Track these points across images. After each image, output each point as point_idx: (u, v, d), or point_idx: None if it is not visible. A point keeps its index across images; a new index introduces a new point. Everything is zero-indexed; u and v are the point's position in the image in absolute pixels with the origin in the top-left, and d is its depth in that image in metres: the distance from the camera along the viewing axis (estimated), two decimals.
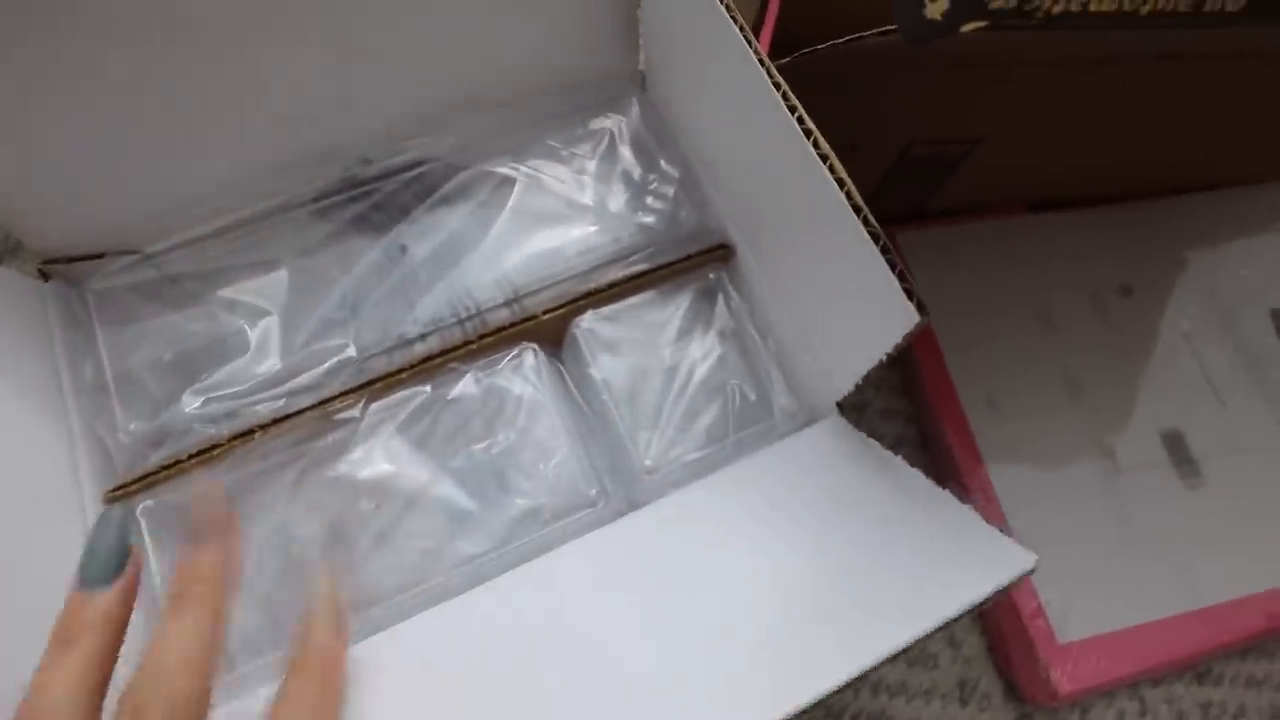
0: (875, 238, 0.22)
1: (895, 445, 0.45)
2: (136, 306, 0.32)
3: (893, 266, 0.21)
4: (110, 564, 0.21)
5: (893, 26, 0.28)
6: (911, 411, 0.45)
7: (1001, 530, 0.24)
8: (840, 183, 0.22)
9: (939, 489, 0.26)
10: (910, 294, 0.21)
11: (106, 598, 0.20)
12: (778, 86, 0.23)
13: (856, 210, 0.22)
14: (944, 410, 0.42)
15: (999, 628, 0.39)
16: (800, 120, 0.23)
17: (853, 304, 0.25)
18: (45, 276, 0.32)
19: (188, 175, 0.32)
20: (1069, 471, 0.42)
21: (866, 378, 0.26)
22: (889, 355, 0.24)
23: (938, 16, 0.22)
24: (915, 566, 0.25)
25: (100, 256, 0.33)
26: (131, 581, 0.21)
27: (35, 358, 0.31)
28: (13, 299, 0.31)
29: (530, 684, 0.25)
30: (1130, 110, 0.38)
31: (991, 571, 0.23)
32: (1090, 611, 0.38)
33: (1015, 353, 0.44)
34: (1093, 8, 0.22)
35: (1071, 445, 0.42)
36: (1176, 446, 0.42)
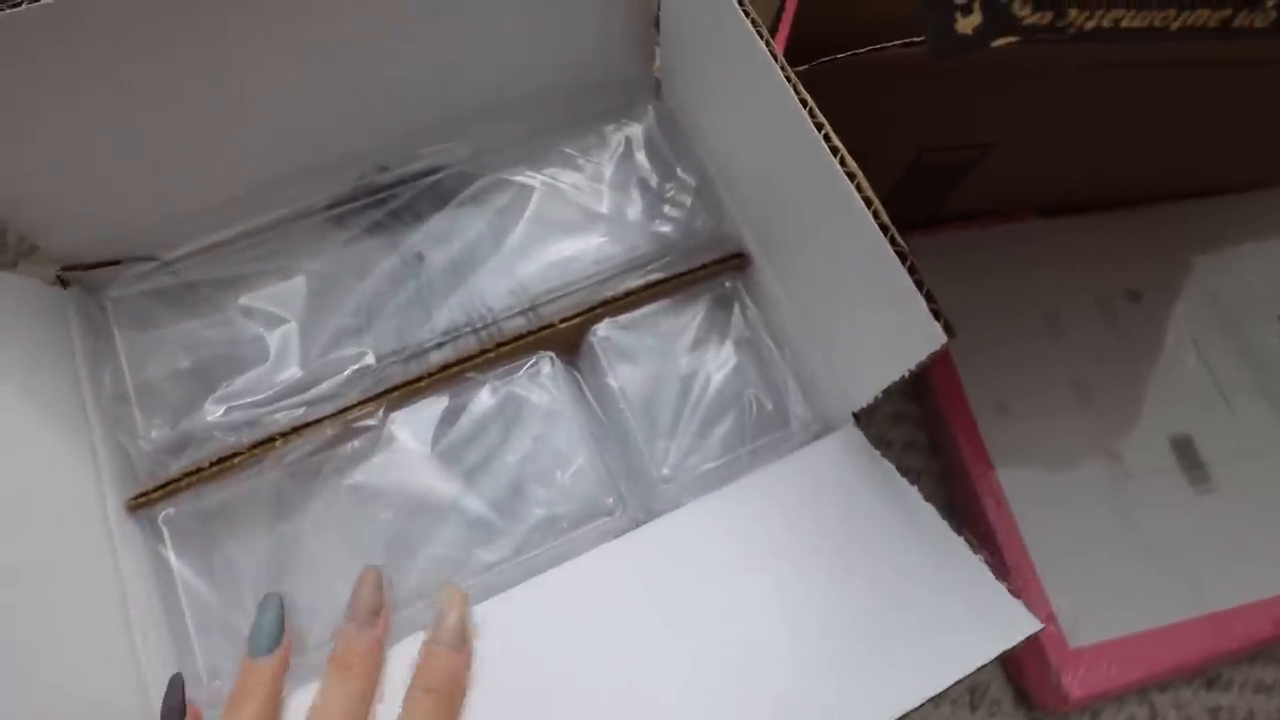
0: (902, 256, 0.22)
1: (904, 449, 0.45)
2: (155, 313, 0.32)
3: (920, 286, 0.21)
4: (272, 639, 0.26)
5: (915, 38, 0.28)
6: (920, 415, 0.46)
7: (1009, 587, 0.25)
8: (868, 202, 0.22)
9: (952, 534, 0.27)
10: (938, 315, 0.21)
11: (270, 665, 0.25)
12: (804, 104, 0.23)
13: (884, 229, 0.22)
14: (953, 414, 0.42)
15: None
16: (827, 138, 0.23)
17: (874, 319, 0.25)
18: (64, 284, 0.32)
19: (206, 182, 0.32)
20: (1078, 476, 0.42)
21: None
22: (910, 372, 0.24)
23: (969, 31, 0.22)
24: (925, 622, 0.25)
25: (118, 263, 0.33)
26: (287, 651, 0.26)
27: (56, 365, 0.31)
28: (33, 306, 0.31)
29: (544, 701, 0.25)
30: (1142, 115, 0.38)
31: (998, 634, 0.24)
32: (1100, 617, 0.38)
33: (1024, 357, 0.44)
34: (1124, 24, 0.22)
35: (1081, 450, 0.42)
36: (1185, 451, 0.43)
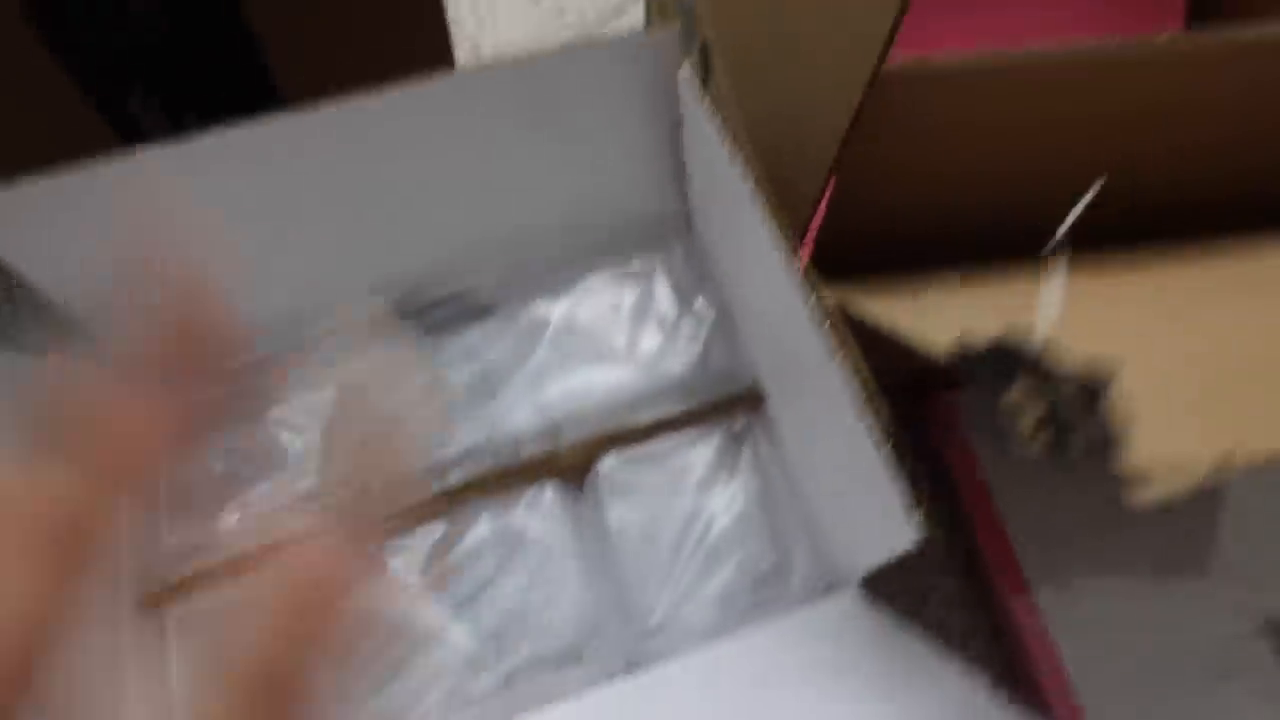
0: (887, 436, 0.20)
1: (964, 637, 0.40)
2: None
3: (897, 475, 0.20)
4: None
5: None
6: (980, 598, 0.41)
7: None
8: (857, 371, 0.21)
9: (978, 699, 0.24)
10: (911, 506, 0.19)
11: None
12: (789, 257, 0.23)
13: (875, 410, 0.21)
14: (1013, 595, 0.37)
15: None
16: (818, 300, 0.22)
17: (866, 501, 0.23)
18: None
19: (257, 303, 0.34)
20: (1161, 674, 0.36)
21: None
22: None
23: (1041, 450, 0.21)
24: None
25: None
26: None
27: None
28: None
29: None
30: None
31: None
32: None
33: (1090, 526, 0.39)
34: None
35: (1168, 635, 0.37)
36: None
